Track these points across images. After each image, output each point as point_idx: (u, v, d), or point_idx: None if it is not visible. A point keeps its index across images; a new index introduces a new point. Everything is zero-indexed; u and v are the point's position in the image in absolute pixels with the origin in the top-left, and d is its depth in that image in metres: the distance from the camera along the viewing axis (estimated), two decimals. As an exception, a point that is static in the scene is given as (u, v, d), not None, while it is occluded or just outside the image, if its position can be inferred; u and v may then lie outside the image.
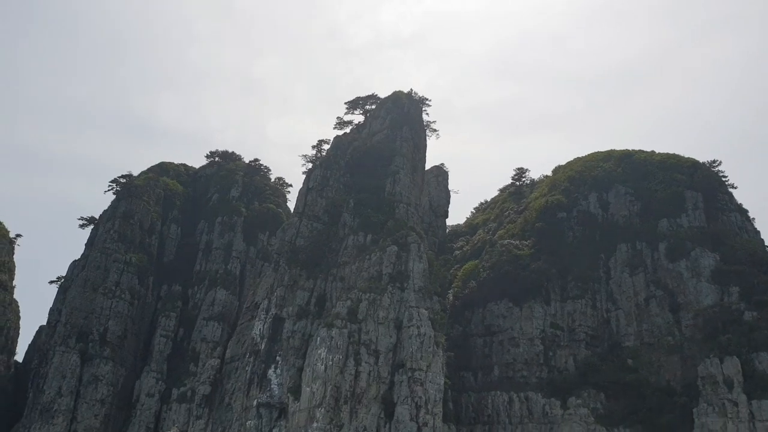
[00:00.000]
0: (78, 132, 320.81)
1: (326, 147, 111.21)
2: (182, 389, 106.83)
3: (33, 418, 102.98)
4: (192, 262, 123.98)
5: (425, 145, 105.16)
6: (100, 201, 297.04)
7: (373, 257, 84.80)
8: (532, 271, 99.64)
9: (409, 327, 77.22)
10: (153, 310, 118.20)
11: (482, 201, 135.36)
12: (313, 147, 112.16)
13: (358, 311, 79.55)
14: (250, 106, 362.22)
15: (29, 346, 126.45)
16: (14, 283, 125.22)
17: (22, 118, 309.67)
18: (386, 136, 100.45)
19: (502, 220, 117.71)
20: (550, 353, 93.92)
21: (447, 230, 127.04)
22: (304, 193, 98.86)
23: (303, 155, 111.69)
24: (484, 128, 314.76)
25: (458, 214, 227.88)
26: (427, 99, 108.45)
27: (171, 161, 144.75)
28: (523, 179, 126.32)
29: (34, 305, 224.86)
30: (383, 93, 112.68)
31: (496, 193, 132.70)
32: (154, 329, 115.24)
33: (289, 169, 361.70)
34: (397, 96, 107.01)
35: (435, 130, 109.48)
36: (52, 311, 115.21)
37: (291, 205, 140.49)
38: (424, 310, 78.32)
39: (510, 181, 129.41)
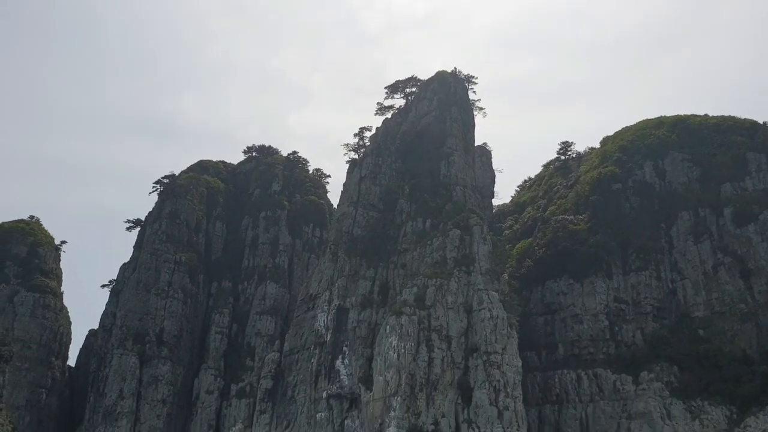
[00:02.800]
0: (104, 138, 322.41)
1: (368, 134, 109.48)
2: (240, 385, 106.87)
3: (96, 422, 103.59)
4: (239, 258, 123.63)
5: (474, 124, 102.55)
6: (129, 204, 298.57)
7: (435, 242, 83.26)
8: (590, 246, 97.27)
9: (480, 310, 75.81)
10: (205, 308, 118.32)
11: (526, 178, 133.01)
12: (355, 135, 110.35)
13: (425, 297, 78.26)
14: (270, 100, 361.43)
15: (80, 350, 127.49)
16: (62, 289, 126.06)
17: (49, 127, 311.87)
18: (435, 118, 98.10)
19: (551, 196, 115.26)
20: (616, 328, 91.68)
21: (494, 210, 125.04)
22: (356, 182, 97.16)
23: (345, 144, 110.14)
24: (506, 103, 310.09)
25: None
26: (473, 77, 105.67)
27: (208, 159, 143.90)
28: (569, 153, 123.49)
29: (76, 310, 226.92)
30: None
31: (539, 169, 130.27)
32: (208, 327, 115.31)
33: (316, 159, 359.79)
34: (441, 76, 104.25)
35: (481, 108, 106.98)
36: (105, 314, 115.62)
37: (331, 195, 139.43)
38: (493, 292, 76.89)
39: (554, 155, 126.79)
